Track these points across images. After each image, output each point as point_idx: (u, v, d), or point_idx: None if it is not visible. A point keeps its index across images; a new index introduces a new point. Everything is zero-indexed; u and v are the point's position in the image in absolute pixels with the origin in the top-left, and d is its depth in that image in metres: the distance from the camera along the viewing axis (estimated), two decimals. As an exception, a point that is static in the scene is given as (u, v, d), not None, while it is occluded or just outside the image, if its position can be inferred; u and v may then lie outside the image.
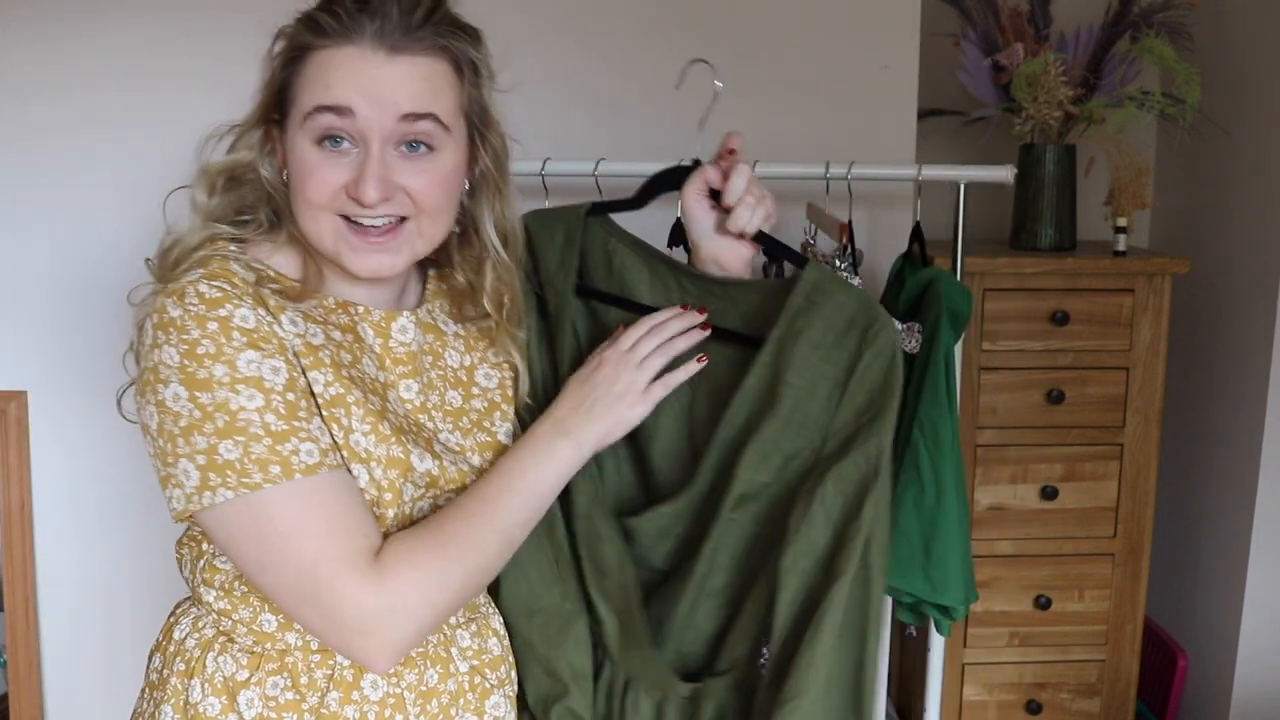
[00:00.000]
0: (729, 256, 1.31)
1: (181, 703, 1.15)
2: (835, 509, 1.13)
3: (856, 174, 1.66)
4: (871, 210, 1.95)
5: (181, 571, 1.20)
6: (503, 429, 1.23)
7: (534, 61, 1.96)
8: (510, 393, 1.27)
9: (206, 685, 1.14)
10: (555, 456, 1.17)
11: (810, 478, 1.14)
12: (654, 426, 1.25)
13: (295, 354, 1.08)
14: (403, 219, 1.11)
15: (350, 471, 1.08)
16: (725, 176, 1.28)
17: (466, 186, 1.19)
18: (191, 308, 1.03)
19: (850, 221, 1.60)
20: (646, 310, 1.27)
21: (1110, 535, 2.35)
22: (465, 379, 1.24)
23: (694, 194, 1.32)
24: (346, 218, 1.10)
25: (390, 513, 1.10)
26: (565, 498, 1.25)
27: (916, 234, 1.71)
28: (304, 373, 1.07)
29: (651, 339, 1.22)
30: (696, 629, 1.24)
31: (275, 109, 1.13)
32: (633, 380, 1.20)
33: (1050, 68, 2.25)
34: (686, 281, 1.26)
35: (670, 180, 1.31)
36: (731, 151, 1.31)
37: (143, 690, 1.22)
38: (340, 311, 1.15)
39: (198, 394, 1.01)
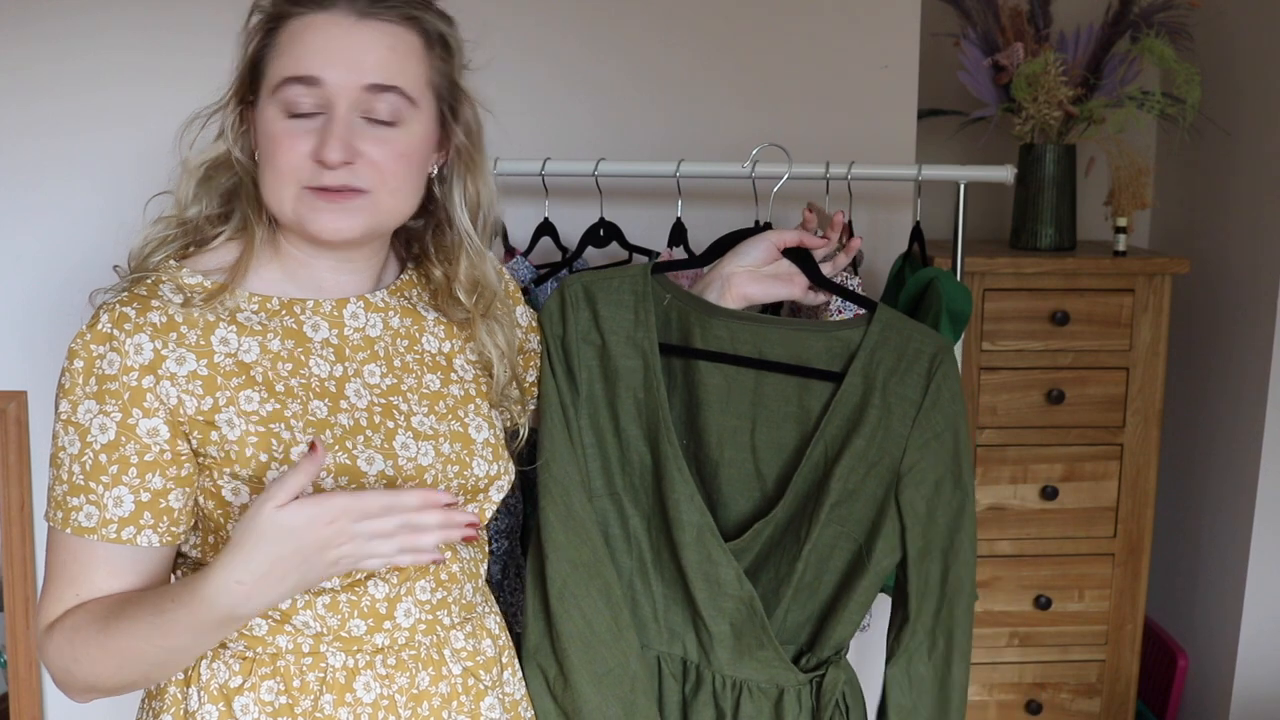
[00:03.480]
0: (758, 293, 1.42)
1: (181, 711, 1.15)
2: (949, 498, 1.36)
3: (856, 174, 1.66)
4: (871, 210, 1.95)
5: (175, 576, 1.20)
6: (474, 423, 1.22)
7: (534, 61, 1.96)
8: (485, 388, 1.26)
9: (203, 693, 1.13)
10: (210, 636, 1.03)
11: (907, 481, 1.34)
12: (720, 461, 1.40)
13: (221, 379, 1.08)
14: (359, 190, 1.10)
15: (139, 543, 1.08)
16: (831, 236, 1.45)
17: (435, 170, 1.19)
18: (84, 336, 1.07)
19: (850, 219, 1.60)
20: (732, 361, 1.37)
21: (1110, 535, 2.35)
22: (444, 364, 1.24)
23: (773, 244, 1.42)
24: (310, 189, 1.10)
25: None
26: (668, 531, 1.38)
27: (916, 234, 1.71)
28: (233, 397, 1.09)
29: (392, 519, 1.00)
30: (793, 620, 1.41)
31: (250, 86, 1.13)
32: (349, 554, 0.99)
33: (1050, 68, 2.25)
34: (736, 325, 1.38)
35: (735, 239, 1.45)
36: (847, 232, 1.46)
37: (142, 701, 1.22)
38: (284, 313, 1.15)
39: (54, 417, 1.09)
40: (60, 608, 1.08)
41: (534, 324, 1.40)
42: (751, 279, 1.41)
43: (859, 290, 1.49)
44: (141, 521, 1.07)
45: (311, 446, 0.97)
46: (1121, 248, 2.34)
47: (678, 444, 1.37)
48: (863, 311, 1.40)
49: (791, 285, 1.42)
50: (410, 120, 1.12)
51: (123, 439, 1.06)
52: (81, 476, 1.06)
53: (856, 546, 1.37)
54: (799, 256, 1.41)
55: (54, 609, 1.08)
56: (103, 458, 1.06)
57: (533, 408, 1.40)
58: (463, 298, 1.23)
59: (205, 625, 1.00)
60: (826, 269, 1.44)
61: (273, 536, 0.96)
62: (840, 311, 1.45)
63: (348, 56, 1.08)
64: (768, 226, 1.54)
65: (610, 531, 1.42)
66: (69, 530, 1.07)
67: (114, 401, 1.05)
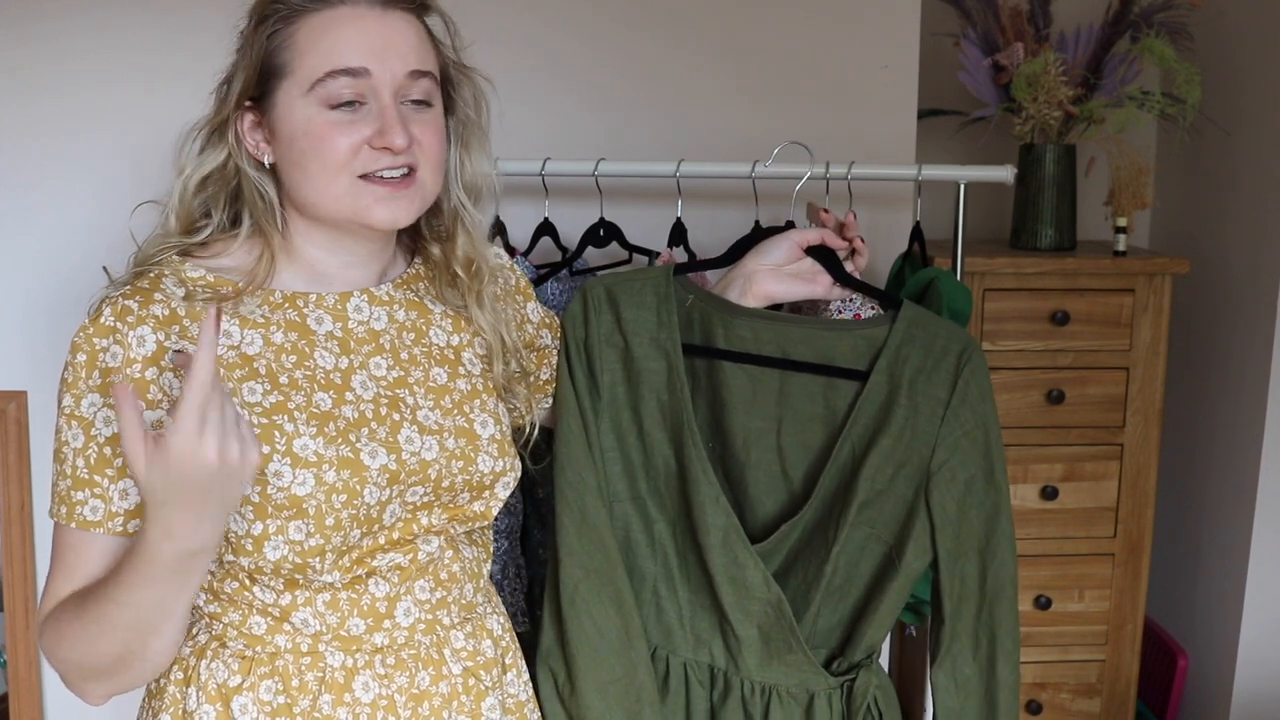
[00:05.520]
0: (781, 292, 1.41)
1: (180, 711, 1.14)
2: (981, 497, 1.34)
3: (856, 174, 1.65)
4: (871, 210, 1.95)
5: None
6: (479, 419, 1.22)
7: (534, 61, 1.96)
8: (490, 384, 1.27)
9: (201, 693, 1.13)
10: (171, 585, 1.01)
11: (936, 481, 1.32)
12: (746, 463, 1.39)
13: (224, 371, 1.08)
14: (411, 169, 1.13)
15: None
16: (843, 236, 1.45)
17: None
18: (87, 330, 1.07)
19: (853, 214, 1.60)
20: (756, 361, 1.36)
21: (1110, 535, 2.35)
22: (452, 357, 1.24)
23: (796, 243, 1.41)
24: (363, 178, 1.11)
25: (345, 514, 1.10)
26: (693, 535, 1.37)
27: (916, 234, 1.71)
28: (236, 389, 1.09)
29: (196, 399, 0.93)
30: (824, 623, 1.39)
31: (256, 89, 1.13)
32: (236, 453, 0.96)
33: (1050, 68, 2.25)
34: (760, 325, 1.37)
35: (757, 238, 1.45)
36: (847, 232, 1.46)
37: (142, 700, 1.22)
38: (288, 307, 1.15)
39: (57, 413, 1.08)
40: (55, 602, 1.08)
41: (546, 320, 1.40)
42: (774, 277, 1.40)
43: None
44: None
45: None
46: (1121, 248, 2.34)
47: (703, 446, 1.36)
48: (863, 310, 1.40)
49: (814, 284, 1.42)
50: (437, 101, 1.16)
51: None
52: (86, 470, 1.06)
53: (886, 548, 1.36)
54: (822, 255, 1.40)
55: (50, 604, 1.08)
56: (107, 450, 1.06)
57: (544, 406, 1.40)
58: (460, 272, 1.24)
59: (159, 575, 0.98)
60: (847, 267, 1.43)
61: (163, 491, 0.94)
62: (840, 312, 1.45)
63: (388, 46, 1.11)
64: (790, 225, 1.53)
65: (634, 537, 1.41)
66: (73, 525, 1.07)
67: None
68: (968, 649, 1.36)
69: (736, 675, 1.40)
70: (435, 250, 1.25)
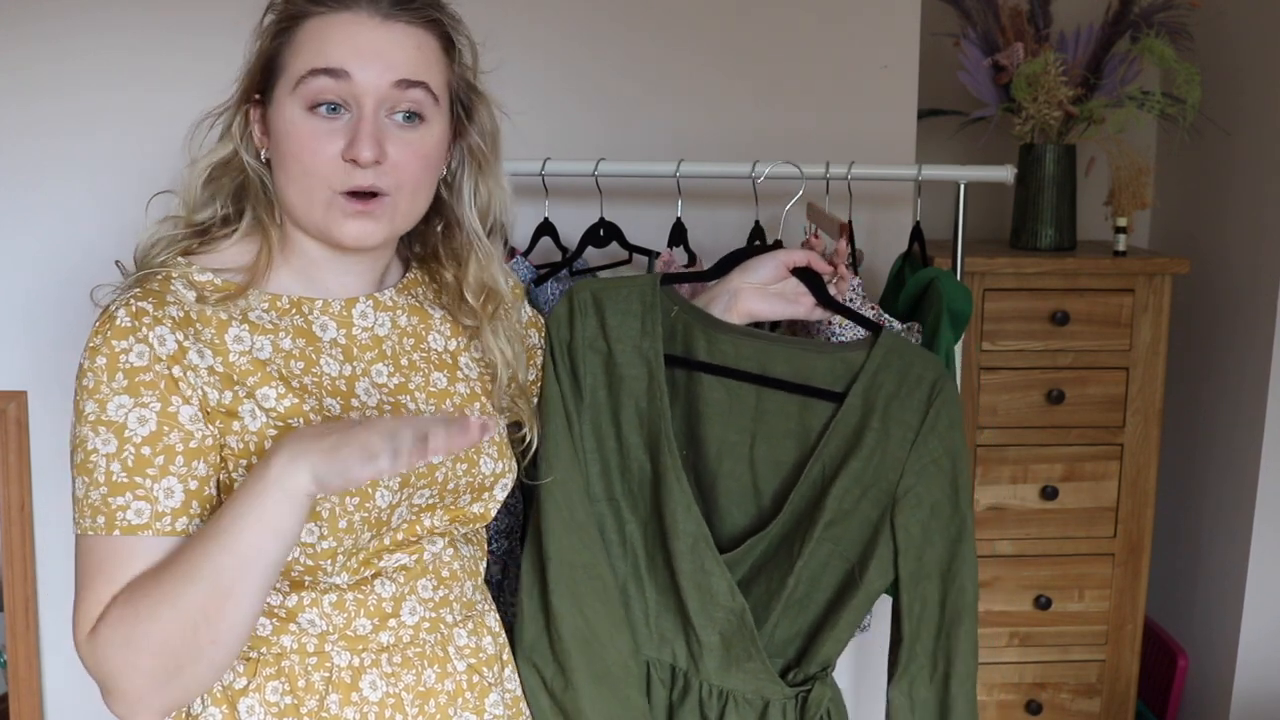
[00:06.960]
0: (765, 311, 1.42)
1: (184, 715, 1.14)
2: (946, 523, 1.36)
3: (856, 174, 1.65)
4: (871, 210, 1.95)
5: None
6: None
7: (535, 60, 1.96)
8: (489, 386, 1.27)
9: (206, 696, 1.13)
10: (264, 512, 0.99)
11: (902, 505, 1.35)
12: (717, 473, 1.41)
13: (237, 376, 1.08)
14: (385, 195, 1.11)
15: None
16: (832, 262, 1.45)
17: (444, 172, 1.20)
18: (103, 333, 1.05)
19: (850, 221, 1.60)
20: (735, 376, 1.38)
21: (1110, 535, 2.35)
22: (450, 362, 1.24)
23: (782, 263, 1.42)
24: (341, 194, 1.10)
25: (357, 516, 1.09)
26: (663, 539, 1.39)
27: (916, 234, 1.71)
28: (251, 392, 1.08)
29: (408, 433, 0.97)
30: (782, 634, 1.42)
31: (260, 84, 1.13)
32: (377, 448, 0.96)
33: (1050, 68, 2.25)
34: (742, 341, 1.38)
35: (745, 255, 1.46)
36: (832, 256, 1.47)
37: None
38: (294, 312, 1.15)
39: (75, 422, 1.05)
40: (100, 609, 1.03)
41: (534, 319, 1.41)
42: (759, 296, 1.41)
43: (860, 293, 1.49)
44: (191, 511, 1.05)
45: None
46: (1121, 248, 2.35)
47: (678, 454, 1.37)
48: (867, 334, 1.41)
49: (797, 305, 1.42)
50: (433, 118, 1.13)
51: (165, 428, 1.04)
52: (124, 474, 1.03)
53: (849, 566, 1.38)
54: (807, 276, 1.41)
55: (94, 611, 1.03)
56: (145, 450, 1.04)
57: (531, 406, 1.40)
58: (471, 300, 1.24)
59: (264, 490, 0.98)
60: (830, 290, 1.44)
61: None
62: (840, 333, 1.46)
63: (377, 54, 1.09)
64: (778, 244, 1.53)
65: (607, 536, 1.42)
66: (116, 532, 1.03)
67: (150, 392, 1.04)
68: (925, 670, 1.38)
69: (696, 677, 1.42)
70: (448, 275, 1.24)
